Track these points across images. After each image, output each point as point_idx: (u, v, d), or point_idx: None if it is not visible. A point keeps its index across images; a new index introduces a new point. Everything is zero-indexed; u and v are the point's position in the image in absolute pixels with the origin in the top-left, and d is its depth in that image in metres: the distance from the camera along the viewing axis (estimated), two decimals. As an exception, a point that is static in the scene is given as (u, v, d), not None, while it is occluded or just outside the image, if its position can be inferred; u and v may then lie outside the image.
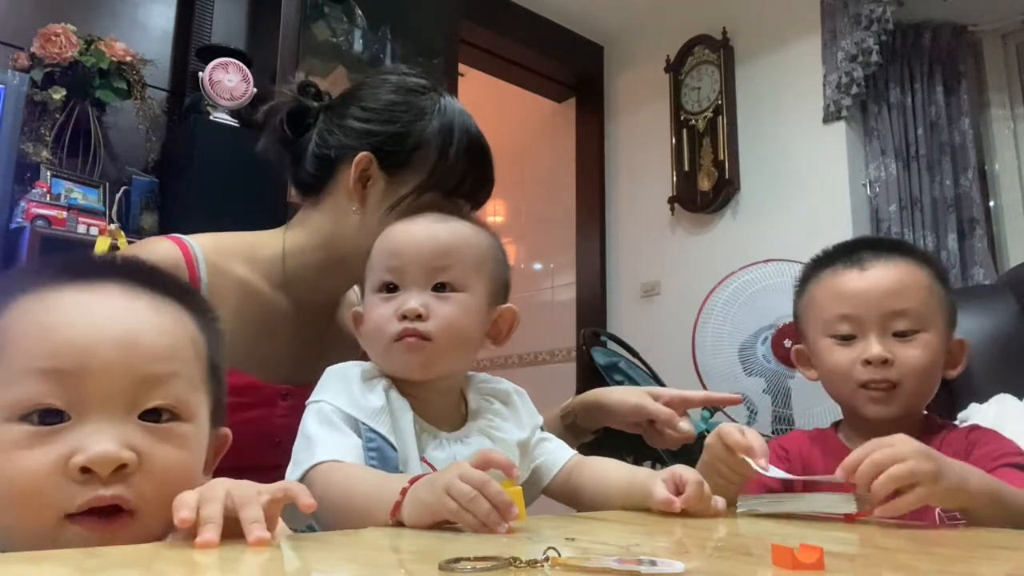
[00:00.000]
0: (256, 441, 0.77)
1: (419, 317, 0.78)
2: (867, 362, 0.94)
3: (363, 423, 0.75)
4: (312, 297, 0.98)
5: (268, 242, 0.99)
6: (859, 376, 0.95)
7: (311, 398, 0.78)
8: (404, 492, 0.62)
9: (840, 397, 1.00)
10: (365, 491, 0.66)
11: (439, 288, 0.80)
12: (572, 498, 0.90)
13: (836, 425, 1.05)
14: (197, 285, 0.90)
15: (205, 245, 0.93)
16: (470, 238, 0.84)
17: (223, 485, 0.49)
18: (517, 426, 0.86)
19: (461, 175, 0.95)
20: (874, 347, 0.94)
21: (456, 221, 0.85)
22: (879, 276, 0.97)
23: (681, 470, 0.77)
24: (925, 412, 1.01)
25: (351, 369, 0.80)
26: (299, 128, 0.99)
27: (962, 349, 1.00)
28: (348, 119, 0.97)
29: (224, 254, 0.94)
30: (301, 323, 0.89)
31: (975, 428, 0.98)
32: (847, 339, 0.97)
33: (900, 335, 0.94)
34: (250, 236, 1.00)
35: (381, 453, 0.74)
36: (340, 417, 0.75)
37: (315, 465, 0.70)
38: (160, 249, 0.90)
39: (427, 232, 0.83)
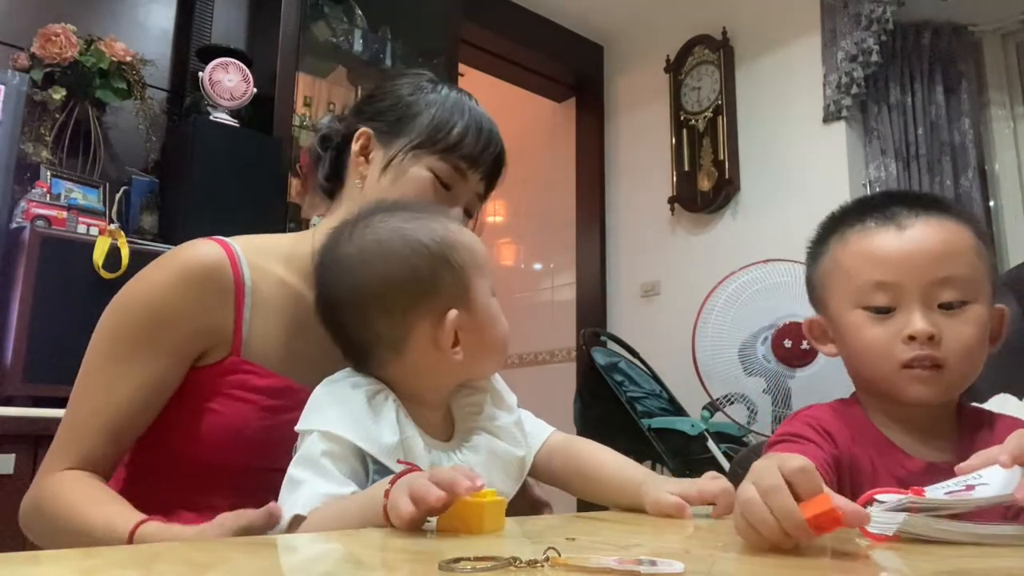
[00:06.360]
0: (290, 444, 0.76)
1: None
2: (910, 338, 0.81)
3: (374, 459, 0.72)
4: None
5: (299, 241, 0.99)
6: (901, 355, 0.82)
7: (311, 424, 0.74)
8: (387, 494, 0.61)
9: (874, 379, 0.87)
10: (356, 510, 0.65)
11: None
12: (558, 479, 0.89)
13: (859, 402, 0.92)
14: (241, 285, 0.90)
15: (245, 246, 0.93)
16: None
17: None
18: (506, 410, 0.86)
19: (457, 136, 0.94)
20: (918, 321, 0.81)
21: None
22: (922, 237, 0.83)
23: (707, 484, 0.77)
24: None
25: (351, 393, 0.76)
26: (327, 148, 1.03)
27: (1002, 319, 0.88)
28: (355, 113, 1.02)
29: (262, 254, 0.94)
30: None
31: (1018, 423, 0.87)
32: (884, 311, 0.84)
33: (946, 307, 0.82)
34: (284, 237, 1.01)
35: None
36: (345, 453, 0.71)
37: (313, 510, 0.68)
38: (204, 249, 0.90)
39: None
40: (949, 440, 0.86)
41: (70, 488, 0.83)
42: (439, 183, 0.94)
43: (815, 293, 0.95)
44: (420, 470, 0.68)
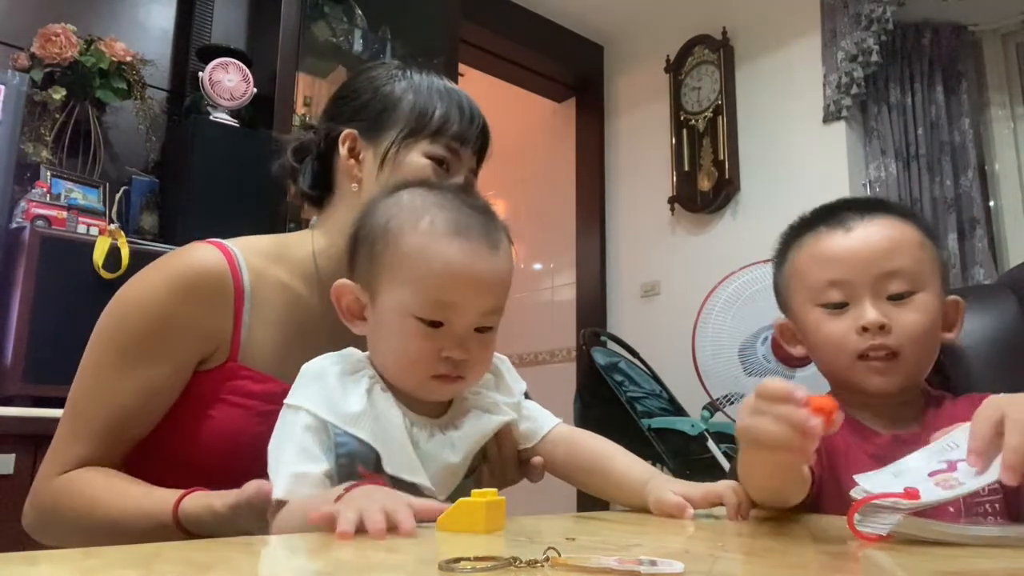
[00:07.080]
0: None
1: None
2: (863, 329, 0.88)
3: (338, 428, 0.72)
4: None
5: (298, 243, 0.98)
6: (856, 346, 0.89)
7: (290, 399, 0.75)
8: (339, 499, 0.60)
9: (835, 371, 0.94)
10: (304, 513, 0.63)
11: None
12: (561, 471, 0.88)
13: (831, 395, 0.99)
14: (241, 290, 0.89)
15: (244, 248, 0.92)
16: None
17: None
18: (506, 393, 0.86)
19: (442, 118, 0.95)
20: (869, 313, 0.88)
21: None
22: (866, 235, 0.91)
23: (713, 486, 0.77)
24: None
25: (330, 367, 0.77)
26: (302, 158, 1.03)
27: (957, 309, 0.95)
28: (331, 116, 1.02)
29: (261, 256, 0.94)
30: (336, 328, 0.88)
31: (975, 397, 0.91)
32: (838, 307, 0.91)
33: (895, 298, 0.89)
34: (280, 238, 1.00)
35: (350, 460, 0.72)
36: (315, 428, 0.71)
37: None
38: (203, 254, 0.90)
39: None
40: (917, 420, 0.92)
41: (91, 482, 0.82)
42: (437, 167, 0.94)
43: (781, 298, 1.02)
44: (380, 483, 0.67)
